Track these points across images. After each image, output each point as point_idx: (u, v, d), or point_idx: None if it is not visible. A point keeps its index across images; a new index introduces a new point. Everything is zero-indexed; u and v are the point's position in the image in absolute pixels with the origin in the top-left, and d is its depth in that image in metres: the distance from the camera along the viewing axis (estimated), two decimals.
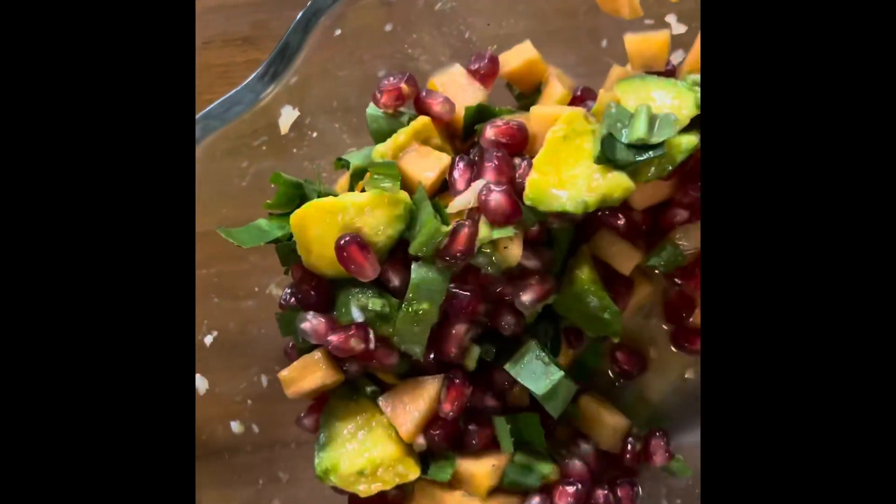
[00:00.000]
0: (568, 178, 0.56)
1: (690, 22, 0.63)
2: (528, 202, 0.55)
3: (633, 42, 0.61)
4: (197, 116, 0.55)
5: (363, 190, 0.58)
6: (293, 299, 0.61)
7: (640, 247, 0.63)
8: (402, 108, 0.60)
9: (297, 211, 0.57)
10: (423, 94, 0.60)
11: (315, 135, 0.62)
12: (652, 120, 0.55)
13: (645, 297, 0.65)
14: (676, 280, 0.64)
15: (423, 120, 0.59)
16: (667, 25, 0.63)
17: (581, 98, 0.65)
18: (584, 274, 0.60)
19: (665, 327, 0.67)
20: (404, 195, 0.57)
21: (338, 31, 0.57)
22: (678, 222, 0.60)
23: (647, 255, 0.62)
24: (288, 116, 0.59)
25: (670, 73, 0.62)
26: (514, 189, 0.56)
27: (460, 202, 0.56)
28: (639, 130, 0.54)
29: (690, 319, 0.65)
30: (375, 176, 0.57)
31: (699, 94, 0.56)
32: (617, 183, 0.55)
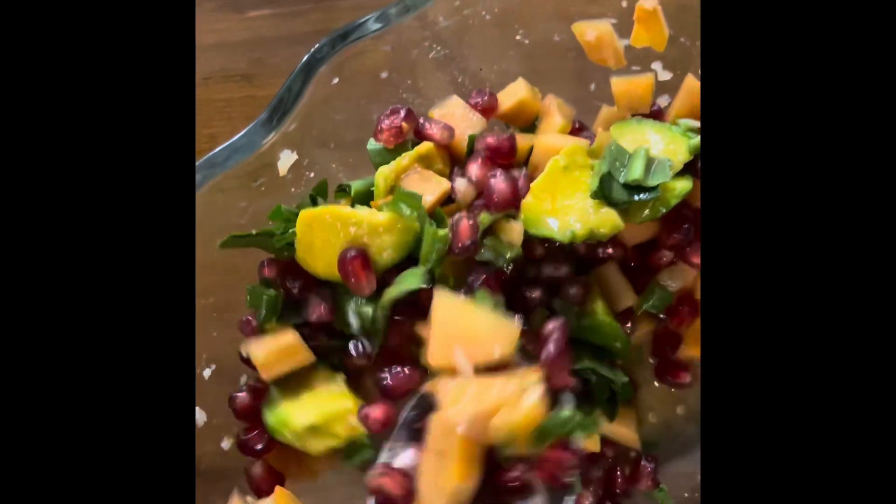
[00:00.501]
0: (562, 207, 0.58)
1: (675, 69, 0.65)
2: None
3: (619, 84, 0.64)
4: (197, 163, 0.57)
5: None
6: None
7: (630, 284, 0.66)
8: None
9: (311, 210, 0.58)
10: (423, 121, 0.62)
11: (312, 174, 0.64)
12: (649, 163, 0.57)
13: (644, 334, 0.68)
14: (661, 316, 0.67)
15: (426, 145, 0.61)
16: (653, 71, 0.66)
17: (578, 129, 0.67)
18: (599, 307, 0.63)
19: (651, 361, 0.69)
20: (417, 226, 0.59)
21: (335, 80, 0.59)
22: (664, 264, 0.63)
23: (640, 299, 0.65)
24: (287, 159, 0.61)
25: (656, 114, 0.64)
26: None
27: (459, 192, 0.59)
28: (636, 171, 0.57)
29: (675, 354, 0.67)
30: (399, 202, 0.58)
31: (692, 140, 0.58)
32: (607, 219, 0.57)
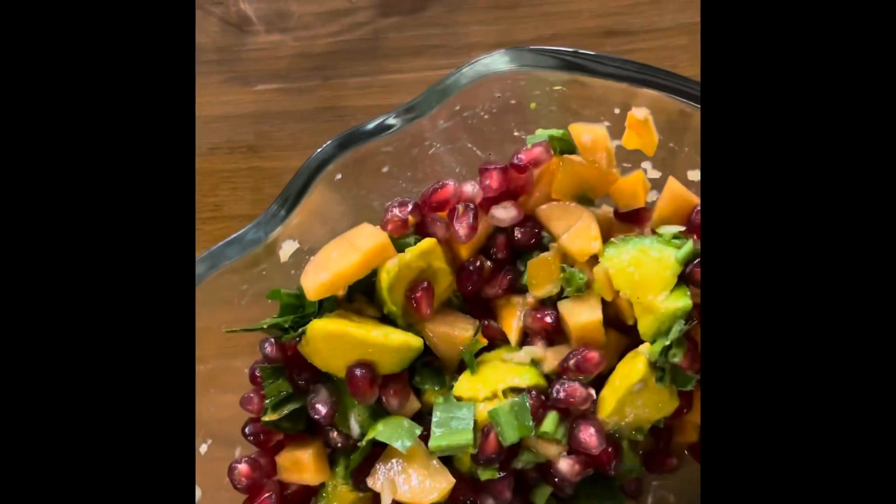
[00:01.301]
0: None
1: (664, 168, 0.68)
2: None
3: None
4: (202, 256, 0.59)
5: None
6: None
7: None
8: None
9: (324, 322, 0.61)
10: (429, 218, 0.65)
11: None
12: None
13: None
14: None
15: (429, 241, 0.63)
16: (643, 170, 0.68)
17: None
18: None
19: None
20: (420, 342, 0.62)
21: (338, 176, 0.62)
22: None
23: None
24: (289, 248, 0.63)
25: (641, 216, 0.67)
26: None
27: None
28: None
29: (669, 446, 0.70)
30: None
31: (680, 251, 0.61)
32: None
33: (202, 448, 0.66)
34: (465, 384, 0.63)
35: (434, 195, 0.62)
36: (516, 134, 0.68)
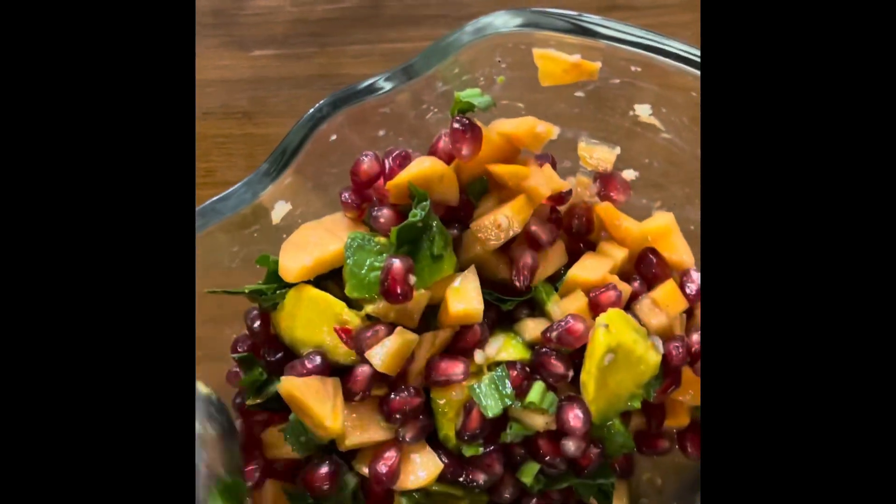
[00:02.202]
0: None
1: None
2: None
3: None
4: (196, 209, 0.58)
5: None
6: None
7: None
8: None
9: (308, 290, 0.60)
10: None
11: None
12: None
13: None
14: None
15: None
16: None
17: None
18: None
19: None
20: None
21: (333, 137, 0.61)
22: None
23: None
24: (281, 209, 0.62)
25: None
26: None
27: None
28: None
29: (660, 428, 0.69)
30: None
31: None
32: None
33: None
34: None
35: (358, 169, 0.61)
36: (519, 105, 0.67)
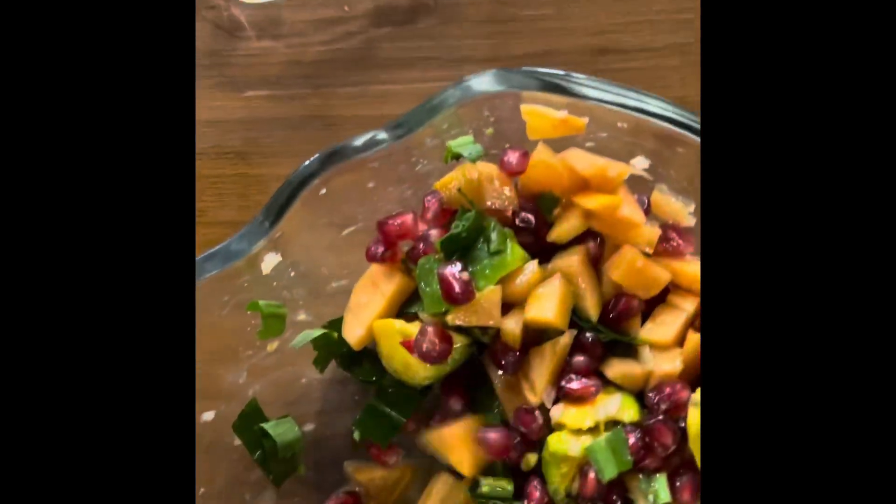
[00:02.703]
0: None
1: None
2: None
3: None
4: None
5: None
6: None
7: None
8: None
9: (377, 325, 0.65)
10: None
11: (293, 274, 0.66)
12: None
13: None
14: None
15: None
16: None
17: None
18: None
19: None
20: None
21: (323, 191, 0.61)
22: None
23: None
24: (271, 261, 0.63)
25: None
26: None
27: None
28: None
29: None
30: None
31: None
32: None
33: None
34: (571, 411, 0.63)
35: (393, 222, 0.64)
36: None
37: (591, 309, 0.64)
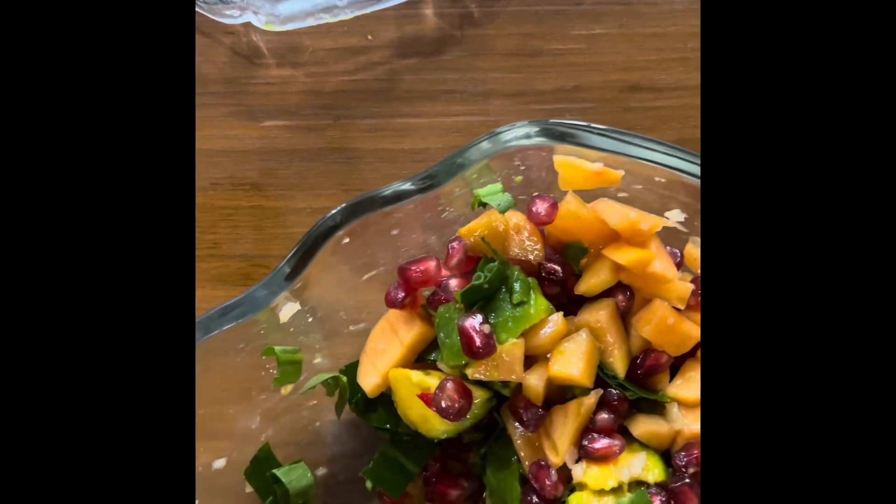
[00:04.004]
0: None
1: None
2: None
3: None
4: (201, 318, 0.56)
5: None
6: None
7: None
8: None
9: (393, 374, 0.62)
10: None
11: (311, 319, 0.64)
12: None
13: None
14: None
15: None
16: None
17: None
18: None
19: None
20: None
21: (346, 240, 0.59)
22: None
23: None
24: (289, 310, 0.61)
25: None
26: None
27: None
28: None
29: None
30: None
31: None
32: None
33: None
34: (593, 470, 0.60)
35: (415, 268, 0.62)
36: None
37: (619, 365, 0.61)
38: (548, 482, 0.61)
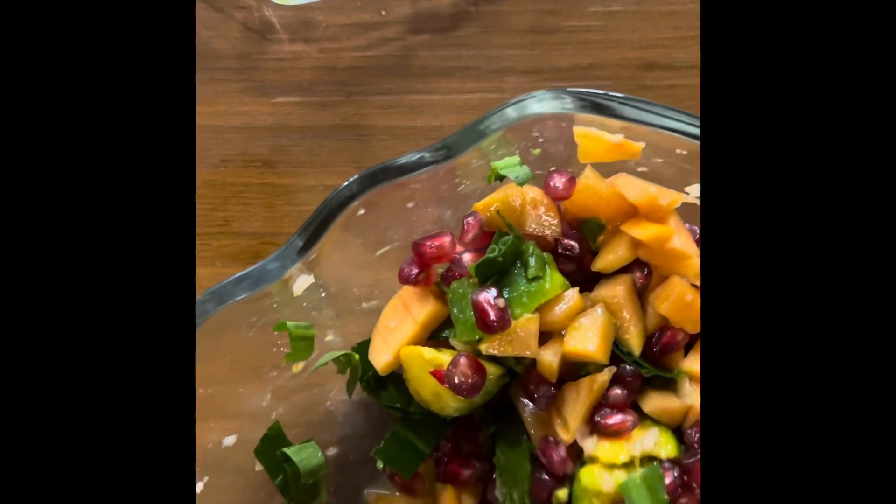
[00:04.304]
0: None
1: None
2: None
3: None
4: (213, 289, 0.56)
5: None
6: None
7: None
8: None
9: (405, 351, 0.61)
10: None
11: (324, 294, 0.63)
12: None
13: None
14: None
15: None
16: None
17: None
18: None
19: None
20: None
21: (361, 211, 0.58)
22: None
23: None
24: (303, 282, 0.60)
25: None
26: None
27: None
28: None
29: None
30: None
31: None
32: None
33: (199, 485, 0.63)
34: (605, 444, 0.60)
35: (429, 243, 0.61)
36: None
37: (634, 342, 0.60)
38: (556, 458, 0.60)
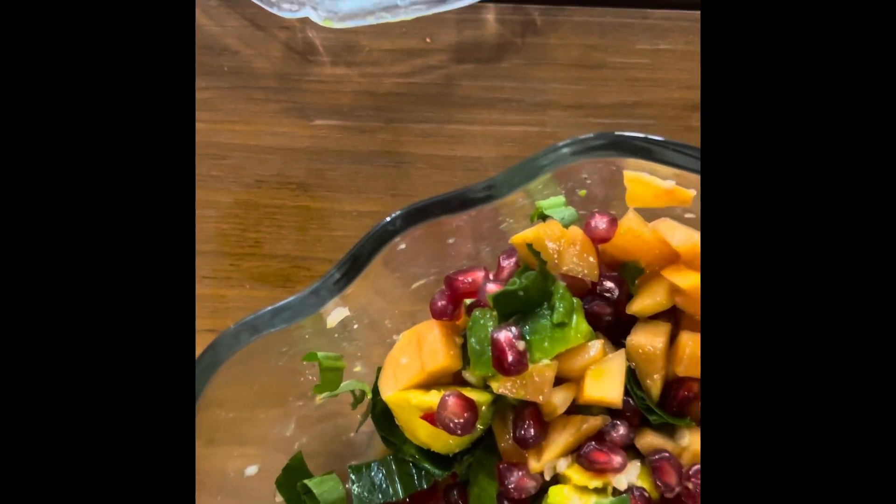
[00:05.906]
0: None
1: None
2: None
3: None
4: (246, 320, 0.55)
5: None
6: None
7: None
8: None
9: (392, 398, 0.59)
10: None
11: (357, 326, 0.62)
12: None
13: None
14: None
15: None
16: None
17: None
18: None
19: None
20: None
21: (402, 246, 0.57)
22: None
23: None
24: (337, 315, 0.58)
25: None
26: None
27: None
28: None
29: None
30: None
31: None
32: None
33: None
34: (578, 467, 0.58)
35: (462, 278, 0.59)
36: None
37: (654, 390, 0.59)
38: (513, 481, 0.58)
